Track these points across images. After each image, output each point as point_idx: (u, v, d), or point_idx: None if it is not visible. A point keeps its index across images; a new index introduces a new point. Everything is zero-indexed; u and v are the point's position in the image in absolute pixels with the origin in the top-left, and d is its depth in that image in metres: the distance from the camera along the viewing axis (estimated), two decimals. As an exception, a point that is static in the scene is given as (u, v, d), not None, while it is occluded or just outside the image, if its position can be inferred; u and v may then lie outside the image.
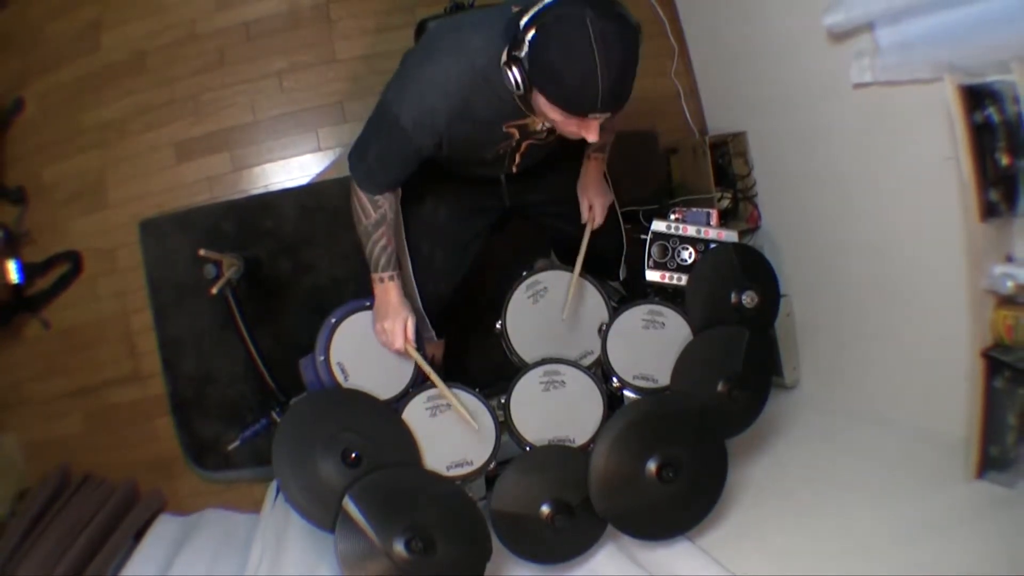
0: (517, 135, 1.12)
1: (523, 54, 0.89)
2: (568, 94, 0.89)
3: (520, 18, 0.91)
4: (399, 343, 1.24)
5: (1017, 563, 0.96)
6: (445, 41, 1.05)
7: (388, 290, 1.23)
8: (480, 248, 1.41)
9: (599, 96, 0.87)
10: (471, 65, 0.99)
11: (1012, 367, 1.07)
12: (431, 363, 1.38)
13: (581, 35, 0.85)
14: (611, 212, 1.43)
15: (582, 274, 1.38)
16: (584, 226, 1.36)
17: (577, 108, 0.90)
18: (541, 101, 0.92)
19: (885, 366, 1.42)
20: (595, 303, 1.39)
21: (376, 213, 1.16)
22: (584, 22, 0.85)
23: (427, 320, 1.43)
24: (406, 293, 1.44)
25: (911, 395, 1.33)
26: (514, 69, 0.91)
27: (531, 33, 0.88)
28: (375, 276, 1.23)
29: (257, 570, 1.27)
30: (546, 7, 0.89)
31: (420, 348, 1.29)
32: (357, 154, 1.15)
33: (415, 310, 1.41)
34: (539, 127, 1.11)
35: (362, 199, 1.16)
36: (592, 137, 0.95)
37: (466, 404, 1.26)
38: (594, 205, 1.35)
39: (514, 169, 1.24)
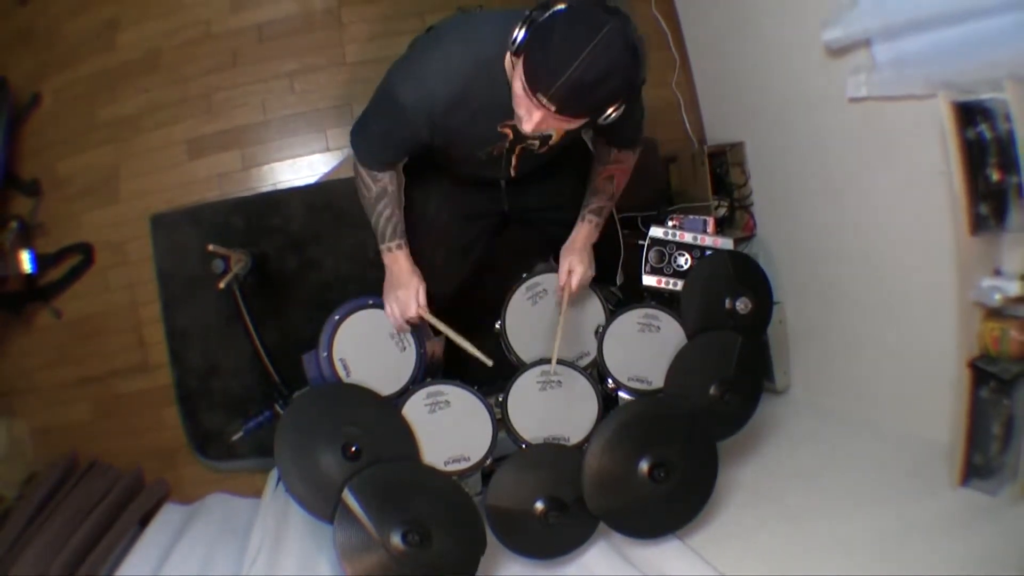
0: (511, 136, 1.13)
1: (541, 18, 0.90)
2: (536, 64, 0.89)
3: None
4: (412, 311, 1.23)
5: (997, 567, 0.98)
6: (455, 30, 1.07)
7: (397, 259, 1.24)
8: (481, 252, 1.44)
9: (557, 84, 0.86)
10: (476, 54, 1.01)
11: (997, 378, 1.08)
12: (431, 360, 1.41)
13: (591, 29, 0.86)
14: (608, 219, 1.45)
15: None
16: (559, 304, 1.29)
17: (533, 82, 0.89)
18: (517, 68, 0.92)
19: (874, 374, 1.44)
20: (592, 306, 1.42)
21: (376, 187, 1.18)
22: (603, 24, 0.86)
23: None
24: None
25: (899, 402, 1.35)
26: (524, 29, 0.91)
27: (561, 6, 0.90)
28: (383, 247, 1.23)
29: (256, 556, 1.29)
30: (593, 0, 0.90)
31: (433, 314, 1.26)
32: (358, 129, 1.18)
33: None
34: None
35: (363, 174, 1.19)
36: (525, 127, 0.94)
37: (464, 400, 1.29)
38: (574, 271, 1.26)
39: (512, 173, 1.26)
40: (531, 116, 0.93)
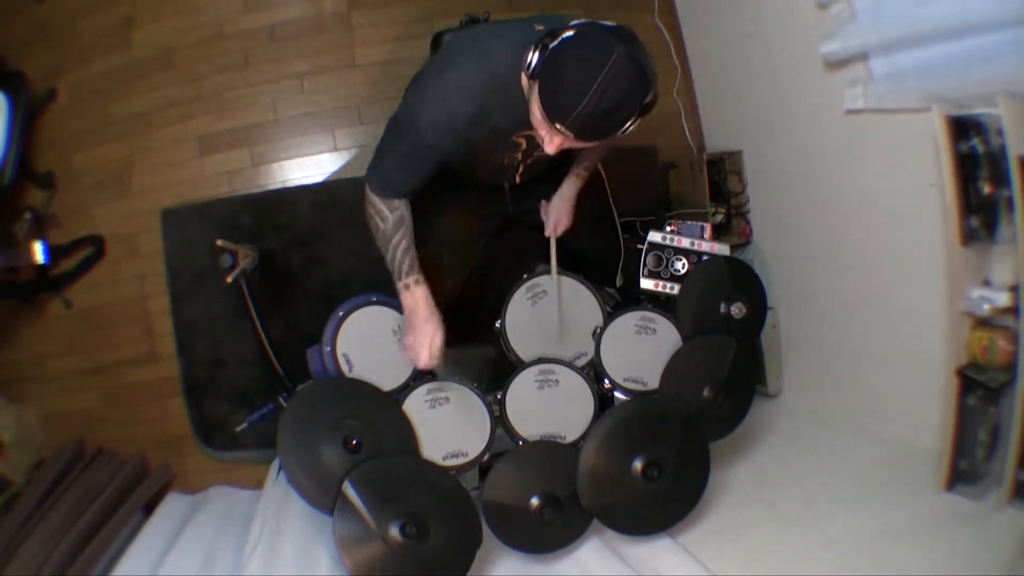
0: (524, 145, 1.16)
1: (552, 44, 0.93)
2: (552, 94, 0.92)
3: (564, 22, 0.96)
4: (422, 362, 1.17)
5: (981, 570, 1.01)
6: (467, 49, 1.08)
7: (415, 298, 1.16)
8: (483, 252, 1.47)
9: (574, 115, 0.90)
10: (492, 72, 1.03)
11: (985, 386, 1.11)
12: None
13: (600, 59, 0.88)
14: (610, 222, 1.48)
15: (581, 280, 1.43)
16: (550, 239, 1.38)
17: (551, 111, 0.92)
18: (533, 92, 0.95)
19: (864, 379, 1.46)
20: (591, 307, 1.44)
21: (393, 215, 1.13)
22: (611, 52, 0.88)
23: None
24: None
25: (888, 408, 1.38)
26: (537, 53, 0.94)
27: (569, 32, 0.92)
28: (400, 284, 1.16)
29: (256, 544, 1.31)
30: (599, 24, 0.93)
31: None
32: (375, 161, 1.16)
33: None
34: None
35: (377, 205, 1.14)
36: (549, 149, 0.99)
37: (464, 397, 1.32)
38: (560, 222, 1.36)
39: (518, 179, 1.29)
40: (552, 139, 0.97)
